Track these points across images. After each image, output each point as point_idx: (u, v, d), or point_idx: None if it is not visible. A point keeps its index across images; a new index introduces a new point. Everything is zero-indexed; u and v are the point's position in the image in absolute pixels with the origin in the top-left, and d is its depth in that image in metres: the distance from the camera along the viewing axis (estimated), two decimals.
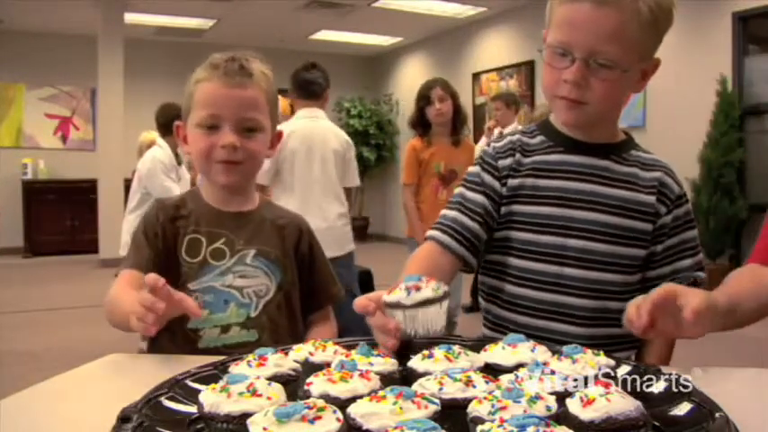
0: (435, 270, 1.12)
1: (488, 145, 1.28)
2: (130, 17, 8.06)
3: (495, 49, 8.81)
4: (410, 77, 10.05)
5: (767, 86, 5.93)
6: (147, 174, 4.00)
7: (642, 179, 1.17)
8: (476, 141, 5.03)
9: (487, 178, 1.21)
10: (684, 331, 0.92)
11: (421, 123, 3.72)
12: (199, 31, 9.40)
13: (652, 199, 1.16)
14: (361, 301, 0.95)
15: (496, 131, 5.68)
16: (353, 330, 1.15)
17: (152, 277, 1.00)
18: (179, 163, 4.15)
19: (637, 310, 0.91)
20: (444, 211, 1.25)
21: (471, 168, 1.26)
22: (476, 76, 9.00)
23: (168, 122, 3.63)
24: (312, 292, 1.41)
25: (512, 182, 1.20)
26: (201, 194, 1.39)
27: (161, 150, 4.04)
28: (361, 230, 9.48)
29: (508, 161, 1.21)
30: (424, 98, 3.69)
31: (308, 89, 3.32)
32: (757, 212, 5.90)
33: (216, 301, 1.29)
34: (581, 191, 1.16)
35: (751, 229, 5.93)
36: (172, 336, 1.25)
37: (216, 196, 1.37)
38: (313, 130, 3.30)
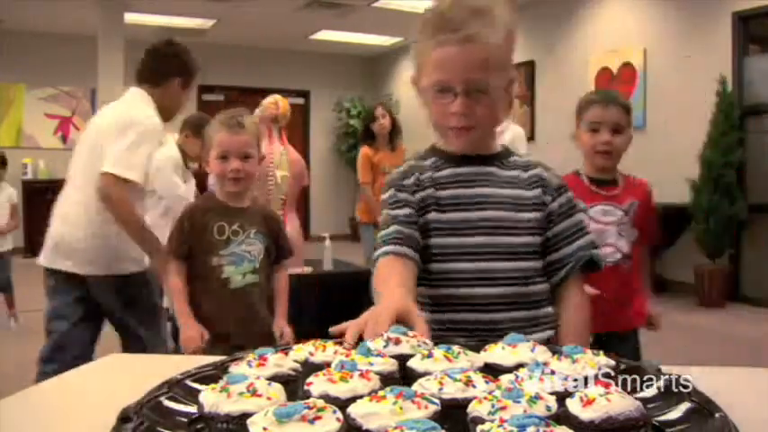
0: (404, 279, 1.18)
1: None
2: (130, 17, 8.06)
3: None
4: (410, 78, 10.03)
5: (767, 86, 5.93)
6: (157, 171, 3.70)
7: (524, 179, 1.32)
8: None
9: (402, 195, 1.30)
10: None
11: (370, 136, 4.95)
12: (199, 31, 9.40)
13: (537, 191, 1.31)
14: (337, 330, 0.97)
15: None
16: None
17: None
18: (186, 166, 4.04)
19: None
20: (381, 233, 1.28)
21: (383, 195, 1.34)
22: None
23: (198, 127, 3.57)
24: (278, 250, 2.29)
25: (418, 195, 1.31)
26: (216, 196, 2.24)
27: (171, 147, 3.83)
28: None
29: (411, 179, 1.32)
30: (369, 116, 5.02)
31: None
32: (757, 212, 5.89)
33: (238, 260, 2.16)
34: (474, 195, 1.29)
35: (751, 229, 5.93)
36: (204, 284, 2.11)
37: (228, 196, 2.21)
38: None
